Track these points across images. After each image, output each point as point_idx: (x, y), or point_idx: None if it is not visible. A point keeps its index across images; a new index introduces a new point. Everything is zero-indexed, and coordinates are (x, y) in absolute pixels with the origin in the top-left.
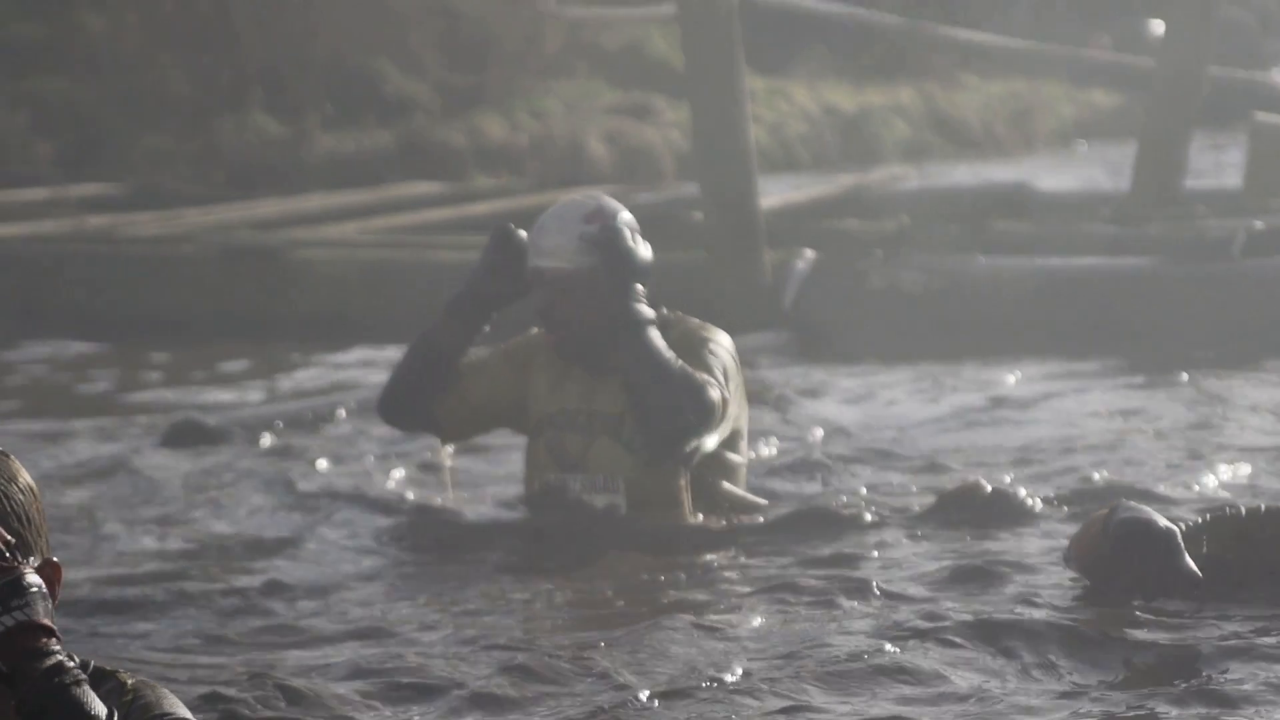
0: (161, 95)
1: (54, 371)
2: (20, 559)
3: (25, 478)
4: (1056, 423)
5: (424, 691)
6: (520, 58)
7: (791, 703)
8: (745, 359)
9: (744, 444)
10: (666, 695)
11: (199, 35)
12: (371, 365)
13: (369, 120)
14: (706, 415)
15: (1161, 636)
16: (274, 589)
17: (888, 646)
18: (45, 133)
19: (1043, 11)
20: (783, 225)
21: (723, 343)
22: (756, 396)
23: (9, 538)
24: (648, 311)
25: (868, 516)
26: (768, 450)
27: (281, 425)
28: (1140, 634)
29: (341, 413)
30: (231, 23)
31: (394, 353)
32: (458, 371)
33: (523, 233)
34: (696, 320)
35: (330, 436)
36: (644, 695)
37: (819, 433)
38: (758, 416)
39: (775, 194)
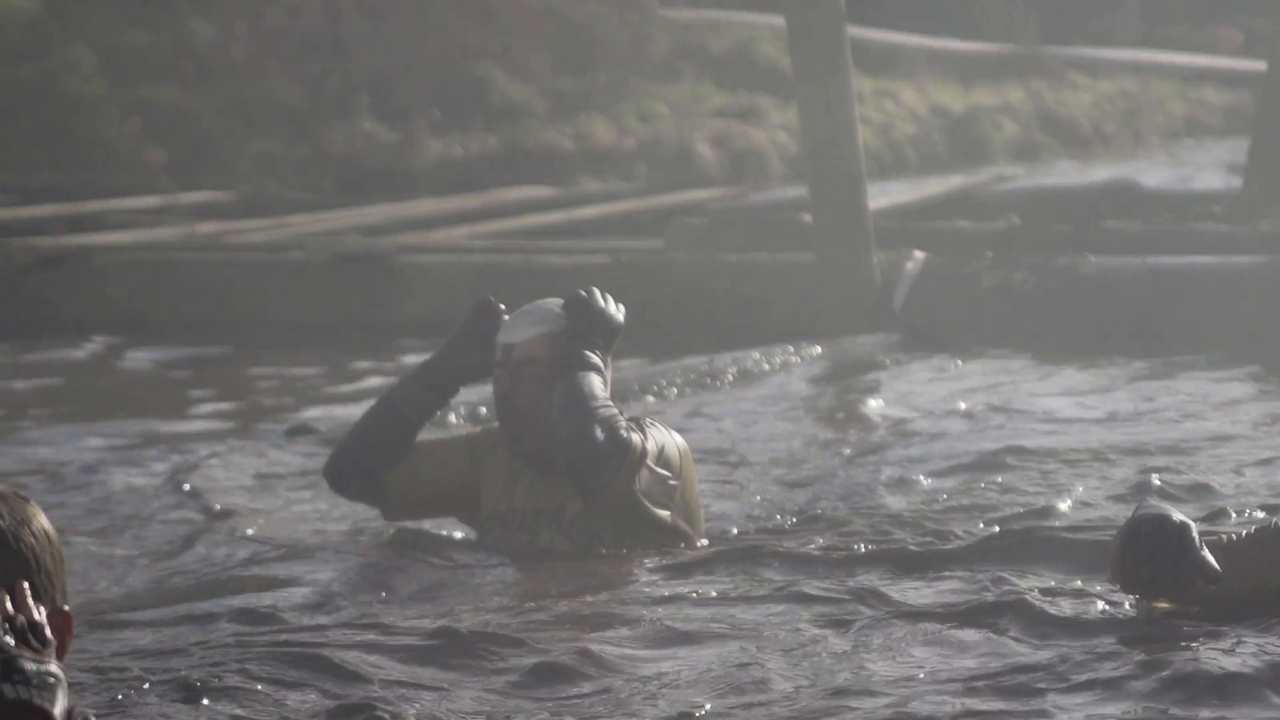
0: (270, 102)
1: (166, 378)
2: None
3: (41, 522)
4: (1166, 422)
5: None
6: (628, 61)
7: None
8: (858, 360)
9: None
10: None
11: (307, 42)
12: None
13: (477, 125)
14: (620, 447)
15: (1174, 642)
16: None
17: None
18: (156, 140)
19: (1151, 10)
20: (891, 226)
21: (672, 435)
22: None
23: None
24: (593, 359)
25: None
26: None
27: None
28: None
29: (452, 418)
30: (339, 29)
31: None
32: (413, 447)
33: (503, 307)
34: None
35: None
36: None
37: (931, 433)
38: (870, 425)
39: (884, 195)
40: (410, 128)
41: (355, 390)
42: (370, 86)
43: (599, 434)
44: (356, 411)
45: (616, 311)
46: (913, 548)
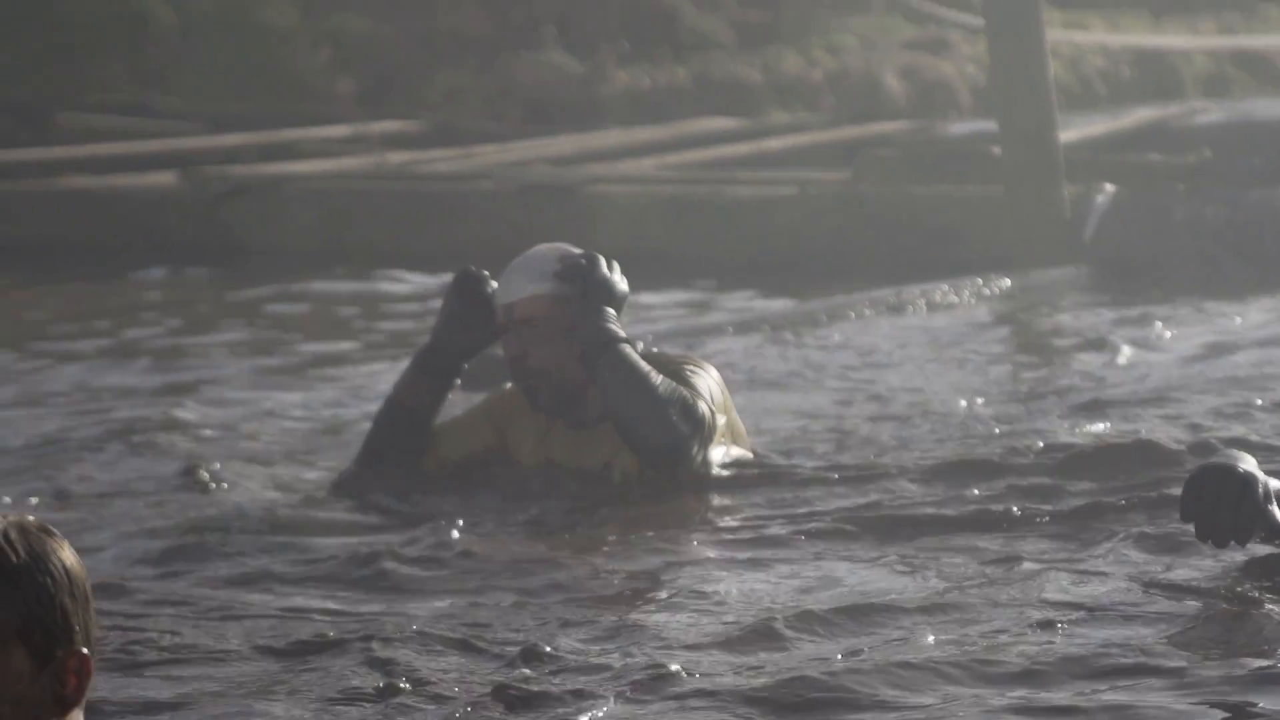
0: (458, 33)
1: (356, 307)
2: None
3: (63, 558)
4: None
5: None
6: None
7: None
8: (1046, 295)
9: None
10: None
11: None
12: (667, 304)
13: (664, 56)
14: (697, 424)
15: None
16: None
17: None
18: (346, 70)
19: None
20: (1081, 159)
21: (709, 371)
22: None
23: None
24: (619, 331)
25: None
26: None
27: None
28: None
29: (639, 346)
30: None
31: (679, 294)
32: (434, 433)
33: (486, 274)
34: (679, 353)
35: None
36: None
37: (1122, 370)
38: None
39: (1073, 128)
40: (598, 59)
41: None
42: (557, 18)
43: (676, 418)
44: None
45: (621, 279)
46: (1074, 497)
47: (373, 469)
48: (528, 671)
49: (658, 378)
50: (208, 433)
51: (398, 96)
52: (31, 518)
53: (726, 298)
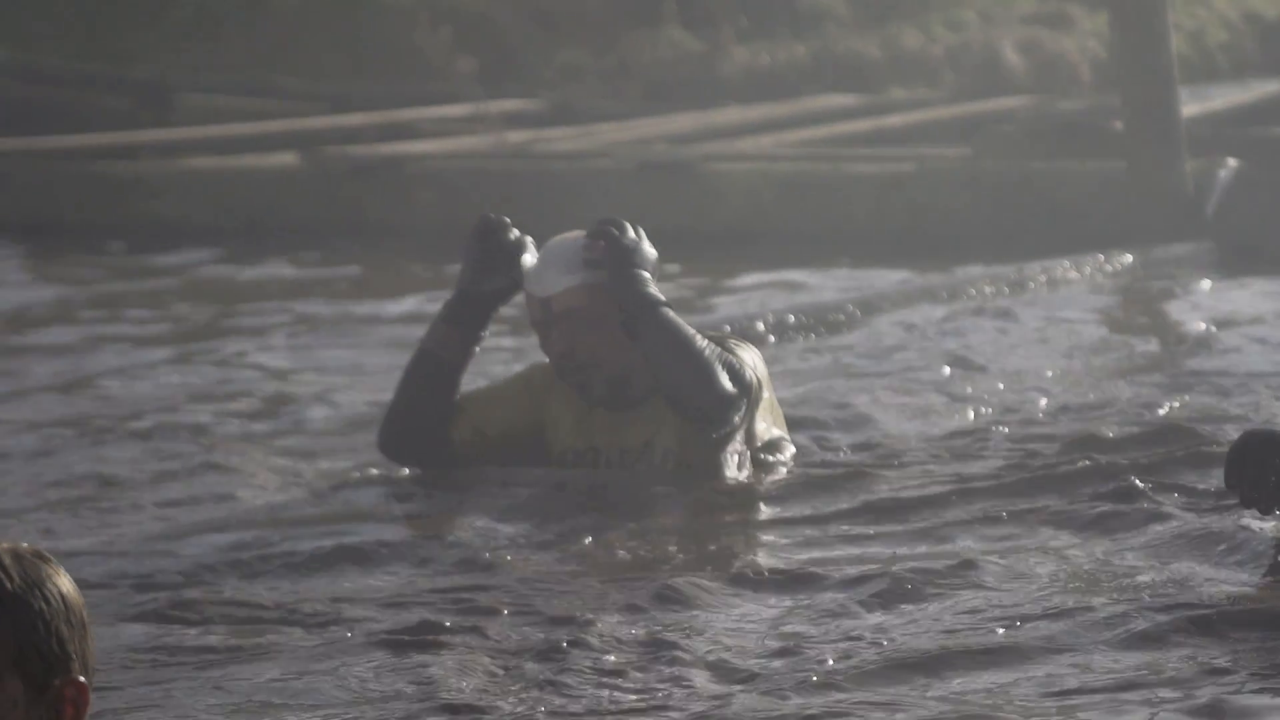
0: (577, 10)
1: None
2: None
3: (58, 585)
4: None
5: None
6: None
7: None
8: (1165, 270)
9: (789, 452)
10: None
11: None
12: (786, 284)
13: (783, 32)
14: (744, 387)
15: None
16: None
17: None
18: (466, 49)
19: None
20: (1204, 134)
21: (749, 348)
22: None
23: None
24: (658, 294)
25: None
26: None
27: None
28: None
29: (759, 325)
30: None
31: (795, 272)
32: (469, 400)
33: (507, 219)
34: (715, 333)
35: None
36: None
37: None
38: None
39: (1196, 102)
40: (717, 36)
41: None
42: None
43: (722, 379)
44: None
45: (649, 245)
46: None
47: (408, 446)
48: (564, 680)
49: (702, 340)
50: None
51: (517, 75)
52: (26, 544)
53: (846, 275)
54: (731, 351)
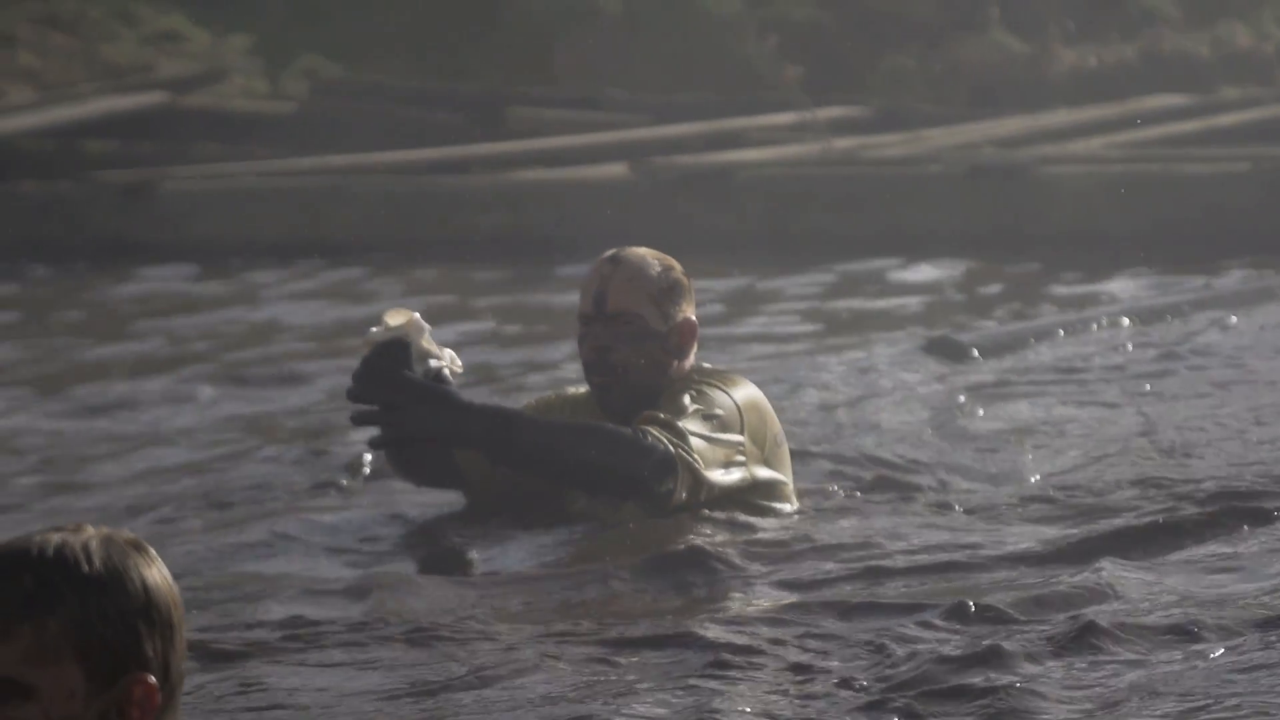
0: (902, 15)
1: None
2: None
3: (146, 576)
4: None
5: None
6: None
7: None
8: None
9: (787, 491)
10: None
11: None
12: (1112, 287)
13: (1111, 34)
14: (661, 464)
15: None
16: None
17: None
18: (792, 56)
19: None
20: None
21: (731, 390)
22: None
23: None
24: (491, 408)
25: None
26: None
27: (1034, 342)
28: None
29: (1094, 327)
30: None
31: (1131, 278)
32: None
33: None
34: (711, 367)
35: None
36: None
37: None
38: None
39: None
40: (1043, 38)
41: (992, 302)
42: None
43: (637, 463)
44: (1011, 328)
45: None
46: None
47: (417, 472)
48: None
49: (579, 429)
50: None
51: (842, 82)
52: (127, 532)
53: (1182, 279)
54: (664, 408)
